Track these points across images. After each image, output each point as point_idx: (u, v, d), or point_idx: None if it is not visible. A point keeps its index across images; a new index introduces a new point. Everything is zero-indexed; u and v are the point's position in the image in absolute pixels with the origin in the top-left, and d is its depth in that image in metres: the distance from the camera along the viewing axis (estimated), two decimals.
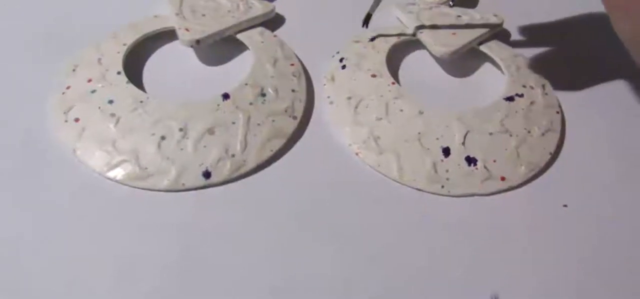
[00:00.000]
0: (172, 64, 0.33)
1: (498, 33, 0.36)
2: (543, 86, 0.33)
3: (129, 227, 0.25)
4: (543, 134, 0.30)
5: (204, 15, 0.33)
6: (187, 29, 0.32)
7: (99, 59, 0.31)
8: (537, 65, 0.34)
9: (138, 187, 0.27)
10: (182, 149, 0.27)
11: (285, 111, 0.30)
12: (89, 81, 0.30)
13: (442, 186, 0.28)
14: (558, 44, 0.37)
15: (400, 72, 0.34)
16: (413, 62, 0.35)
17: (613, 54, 0.36)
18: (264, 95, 0.30)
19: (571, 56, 0.36)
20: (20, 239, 0.24)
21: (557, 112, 0.32)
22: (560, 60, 0.36)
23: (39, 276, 0.23)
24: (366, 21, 0.33)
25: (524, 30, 0.37)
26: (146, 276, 0.24)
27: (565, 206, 0.28)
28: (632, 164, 0.30)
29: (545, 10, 0.39)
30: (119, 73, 0.30)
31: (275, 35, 0.34)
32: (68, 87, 0.30)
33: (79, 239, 0.25)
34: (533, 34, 0.37)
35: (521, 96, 0.32)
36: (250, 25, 0.34)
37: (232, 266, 0.24)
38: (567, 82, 0.34)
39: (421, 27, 0.35)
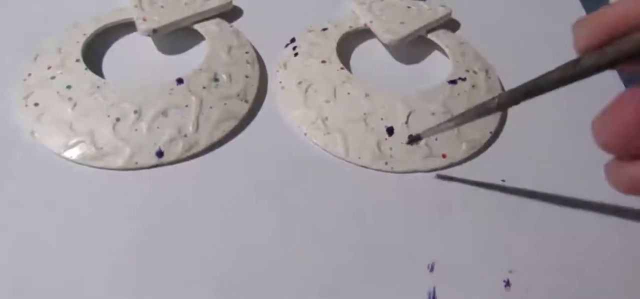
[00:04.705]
0: (131, 54, 0.34)
1: (447, 23, 0.38)
2: (486, 71, 0.35)
3: (85, 204, 0.27)
4: None
5: (162, 6, 0.35)
6: (144, 19, 0.33)
7: (59, 48, 0.32)
8: (482, 52, 0.36)
9: (94, 166, 0.28)
10: (136, 130, 0.29)
11: (237, 95, 0.31)
12: (49, 68, 0.31)
13: (386, 163, 0.30)
14: (504, 31, 0.39)
15: (352, 60, 0.36)
16: (364, 50, 0.37)
17: (556, 40, 0.38)
18: (217, 80, 0.31)
19: (516, 43, 0.38)
20: None
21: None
22: (506, 47, 0.38)
23: None
24: (413, 141, 0.28)
25: (472, 19, 0.39)
26: (103, 251, 0.25)
27: (503, 180, 0.30)
28: (568, 142, 0.32)
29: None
30: (77, 60, 0.31)
31: (231, 26, 0.36)
32: (29, 74, 0.31)
33: (36, 216, 0.26)
34: (481, 23, 0.39)
35: (464, 79, 0.33)
36: (207, 16, 0.35)
37: (184, 241, 0.26)
38: (511, 67, 0.36)
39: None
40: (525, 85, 0.19)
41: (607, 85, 0.36)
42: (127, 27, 0.35)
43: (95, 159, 0.28)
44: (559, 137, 0.32)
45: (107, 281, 0.24)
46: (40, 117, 0.29)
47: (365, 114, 0.31)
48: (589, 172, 0.30)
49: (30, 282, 0.24)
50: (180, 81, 0.31)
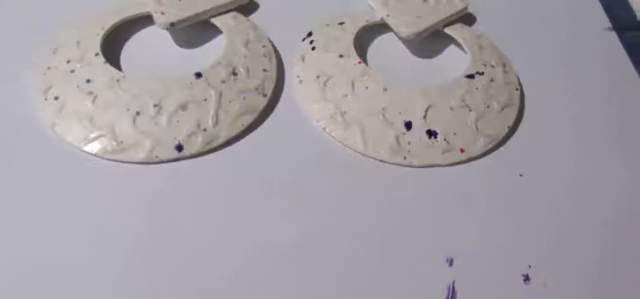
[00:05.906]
0: (149, 47, 0.34)
1: (463, 17, 0.38)
2: (504, 65, 0.34)
3: (105, 197, 0.27)
4: (502, 109, 0.32)
5: (180, 0, 0.35)
6: (162, 13, 0.33)
7: (78, 42, 0.32)
8: (499, 46, 0.36)
9: (114, 160, 0.28)
10: (156, 124, 0.29)
11: (256, 89, 0.31)
12: (68, 61, 0.31)
13: (404, 158, 0.30)
14: (521, 25, 0.39)
15: (369, 54, 0.36)
16: (381, 44, 0.37)
17: (573, 33, 0.38)
18: (235, 74, 0.32)
19: (533, 37, 0.38)
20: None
21: (517, 89, 0.33)
22: (523, 40, 0.38)
23: (18, 246, 0.25)
24: None
25: (489, 13, 0.39)
26: (122, 244, 0.25)
27: (521, 175, 0.30)
28: (585, 137, 0.32)
29: None
30: (97, 54, 0.32)
31: (248, 20, 0.36)
32: (48, 68, 0.31)
33: (57, 210, 0.26)
34: (498, 17, 0.39)
35: (482, 73, 0.33)
36: (224, 10, 0.35)
37: (204, 234, 0.26)
38: (529, 62, 0.36)
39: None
40: None
41: (624, 81, 0.36)
42: (144, 20, 0.35)
43: (115, 153, 0.28)
44: (576, 132, 0.32)
45: (126, 273, 0.24)
46: (60, 110, 0.29)
47: (383, 108, 0.31)
48: (607, 167, 0.31)
49: (51, 275, 0.24)
50: (198, 74, 0.31)
